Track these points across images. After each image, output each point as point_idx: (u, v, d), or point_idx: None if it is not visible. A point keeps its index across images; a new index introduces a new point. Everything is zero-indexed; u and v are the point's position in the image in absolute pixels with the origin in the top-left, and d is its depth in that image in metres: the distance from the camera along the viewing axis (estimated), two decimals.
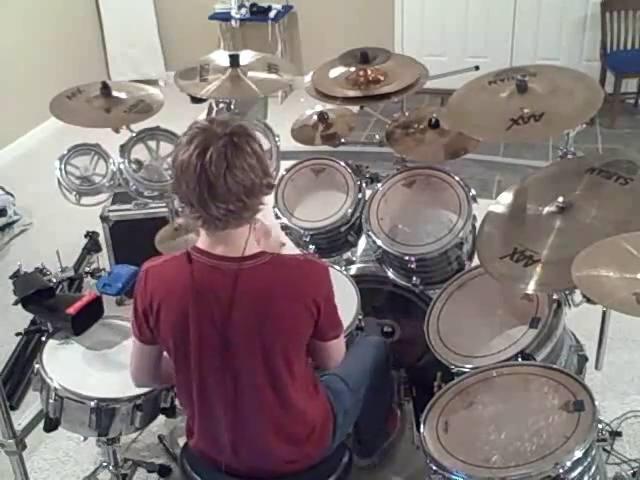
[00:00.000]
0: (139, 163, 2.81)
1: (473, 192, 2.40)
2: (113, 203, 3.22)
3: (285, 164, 2.78)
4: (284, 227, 2.61)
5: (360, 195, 2.57)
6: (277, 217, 2.60)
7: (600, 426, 1.70)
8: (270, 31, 5.64)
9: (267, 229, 1.97)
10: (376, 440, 2.41)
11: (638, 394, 2.74)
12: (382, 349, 2.26)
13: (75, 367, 2.06)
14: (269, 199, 2.53)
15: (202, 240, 1.69)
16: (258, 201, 1.64)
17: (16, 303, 2.14)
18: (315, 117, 2.79)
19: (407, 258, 2.31)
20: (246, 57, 2.74)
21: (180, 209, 2.98)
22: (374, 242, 2.39)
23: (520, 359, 1.95)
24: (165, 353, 1.82)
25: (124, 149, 2.79)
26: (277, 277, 1.68)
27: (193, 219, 1.63)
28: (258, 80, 2.63)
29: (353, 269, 2.61)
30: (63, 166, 2.82)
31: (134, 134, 2.80)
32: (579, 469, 1.62)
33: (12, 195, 4.21)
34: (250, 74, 2.65)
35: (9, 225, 4.10)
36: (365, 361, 2.14)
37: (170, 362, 1.82)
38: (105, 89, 2.73)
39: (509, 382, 1.87)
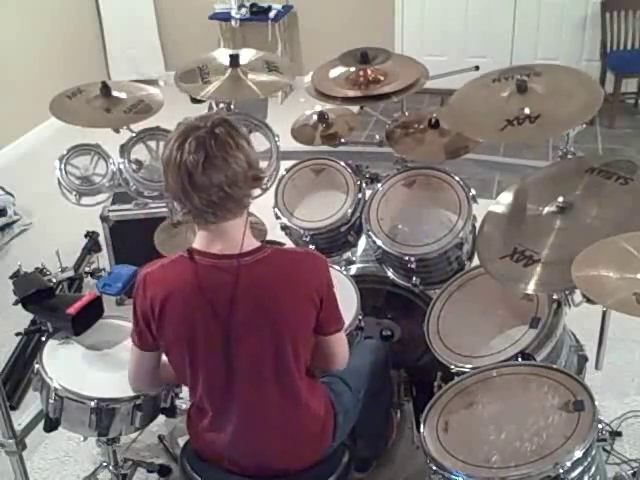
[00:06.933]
0: (139, 163, 2.81)
1: (473, 192, 2.40)
2: (113, 203, 3.22)
3: (285, 164, 2.77)
4: (284, 227, 2.61)
5: (360, 195, 2.57)
6: (277, 217, 2.60)
7: (600, 426, 1.69)
8: (270, 31, 5.64)
9: None
10: (373, 447, 2.38)
11: (638, 394, 2.74)
12: (382, 352, 2.26)
13: (75, 367, 2.06)
14: (269, 195, 2.56)
15: (198, 240, 1.69)
16: (242, 193, 1.62)
17: (16, 303, 2.14)
18: (315, 117, 2.78)
19: (407, 258, 2.31)
20: (246, 56, 2.74)
21: (178, 209, 2.98)
22: (374, 242, 2.39)
23: (520, 359, 1.95)
24: (164, 357, 1.83)
25: (124, 149, 2.79)
26: (278, 271, 1.69)
27: (185, 215, 1.65)
28: (258, 81, 2.63)
29: (353, 269, 2.60)
30: (63, 166, 2.82)
31: (134, 134, 2.80)
32: (579, 469, 1.62)
33: (12, 195, 4.21)
34: (250, 75, 2.65)
35: (9, 225, 4.10)
36: (365, 364, 2.13)
37: (168, 366, 1.83)
38: (105, 89, 2.74)
39: (509, 382, 1.86)
